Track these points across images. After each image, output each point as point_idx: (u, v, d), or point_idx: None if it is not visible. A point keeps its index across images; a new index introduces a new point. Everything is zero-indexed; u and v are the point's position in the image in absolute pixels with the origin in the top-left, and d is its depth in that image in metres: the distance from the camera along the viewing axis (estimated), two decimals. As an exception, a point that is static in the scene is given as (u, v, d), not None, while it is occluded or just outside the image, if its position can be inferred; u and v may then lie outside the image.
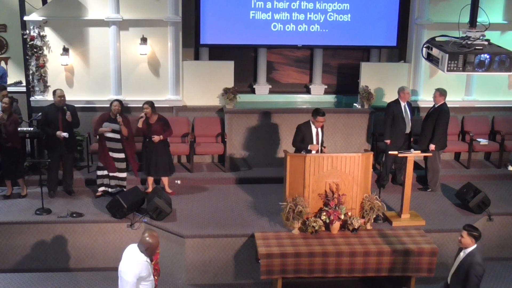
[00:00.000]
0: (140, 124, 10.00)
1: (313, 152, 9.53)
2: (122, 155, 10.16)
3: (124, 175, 10.27)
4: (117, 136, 10.05)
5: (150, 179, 10.47)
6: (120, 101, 10.13)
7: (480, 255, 6.71)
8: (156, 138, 10.03)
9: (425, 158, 10.73)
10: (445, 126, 10.58)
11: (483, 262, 6.67)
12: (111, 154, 10.10)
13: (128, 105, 11.46)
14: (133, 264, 6.29)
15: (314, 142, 9.66)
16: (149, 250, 6.31)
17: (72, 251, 9.51)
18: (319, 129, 9.74)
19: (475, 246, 6.71)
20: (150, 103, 10.15)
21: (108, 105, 10.49)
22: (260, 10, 11.84)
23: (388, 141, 10.68)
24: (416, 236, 8.97)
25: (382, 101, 11.85)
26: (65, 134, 9.94)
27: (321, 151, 9.69)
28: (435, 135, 10.51)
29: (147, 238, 6.31)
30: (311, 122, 9.72)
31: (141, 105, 11.27)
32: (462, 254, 6.78)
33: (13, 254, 9.42)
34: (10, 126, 9.85)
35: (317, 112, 9.66)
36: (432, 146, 10.50)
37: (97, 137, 10.23)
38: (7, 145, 9.90)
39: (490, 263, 9.80)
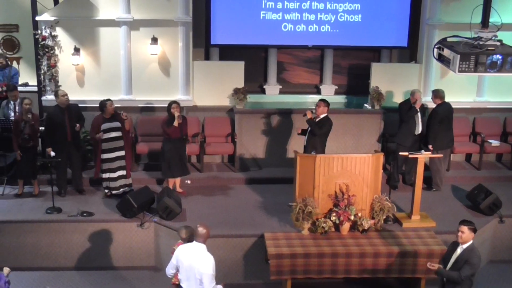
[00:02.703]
0: (176, 123, 9.99)
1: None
2: (123, 153, 10.19)
3: (125, 173, 10.29)
4: (119, 133, 10.08)
5: (177, 181, 10.49)
6: (111, 100, 10.14)
7: (477, 249, 6.88)
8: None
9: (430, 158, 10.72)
10: (435, 126, 10.57)
11: (480, 255, 6.87)
12: (116, 153, 10.11)
13: (139, 105, 11.52)
14: (205, 257, 6.78)
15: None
16: (206, 239, 6.89)
17: (82, 250, 9.55)
18: None
19: (472, 241, 6.85)
20: (178, 103, 10.19)
21: (118, 105, 10.55)
22: (270, 10, 11.83)
23: (430, 146, 10.58)
24: (426, 238, 8.93)
25: (392, 102, 11.81)
26: (53, 154, 9.93)
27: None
28: (429, 136, 10.58)
29: (203, 230, 6.85)
30: None
31: (151, 105, 11.36)
32: (459, 250, 6.88)
33: (24, 252, 9.47)
34: (36, 125, 9.97)
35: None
36: (430, 146, 10.51)
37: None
38: (28, 145, 9.97)
39: (501, 265, 9.79)
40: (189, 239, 7.20)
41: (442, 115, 10.57)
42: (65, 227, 9.49)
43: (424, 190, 10.66)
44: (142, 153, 11.38)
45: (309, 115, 9.99)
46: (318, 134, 9.95)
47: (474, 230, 6.88)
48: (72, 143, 10.16)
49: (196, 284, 6.80)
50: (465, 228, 6.82)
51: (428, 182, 10.87)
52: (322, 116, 10.05)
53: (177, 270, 6.97)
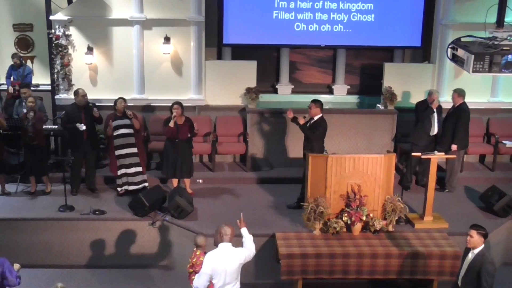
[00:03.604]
0: (172, 124, 10.00)
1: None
2: (135, 150, 10.23)
3: (141, 169, 10.34)
4: (130, 130, 10.13)
5: (175, 181, 10.49)
6: (124, 98, 10.21)
7: (489, 254, 6.68)
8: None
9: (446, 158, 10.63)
10: (466, 125, 10.50)
11: (493, 260, 6.64)
12: (127, 150, 10.16)
13: (151, 104, 11.56)
14: (237, 250, 6.88)
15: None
16: (232, 238, 6.90)
17: (94, 248, 9.59)
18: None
19: (483, 245, 6.66)
20: (180, 104, 10.16)
21: (131, 104, 10.59)
22: (283, 10, 11.82)
23: (455, 146, 10.48)
24: (439, 239, 8.87)
25: (405, 102, 11.76)
26: (83, 127, 10.00)
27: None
28: (456, 135, 10.44)
29: (228, 229, 6.82)
30: None
31: (163, 104, 11.37)
32: (470, 255, 6.71)
33: (36, 250, 9.53)
34: (37, 124, 9.99)
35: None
36: (454, 146, 10.42)
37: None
38: (33, 143, 10.03)
39: (514, 268, 9.71)
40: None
41: (469, 114, 10.51)
42: (77, 225, 9.54)
43: (437, 191, 10.62)
44: (154, 152, 11.39)
45: (301, 121, 9.67)
46: (312, 138, 9.68)
47: (484, 235, 6.67)
48: (88, 142, 10.21)
49: (234, 279, 6.81)
50: (474, 232, 6.65)
51: (441, 183, 10.81)
52: (316, 117, 9.74)
53: (211, 279, 6.77)
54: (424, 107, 10.61)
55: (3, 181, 10.39)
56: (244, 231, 7.11)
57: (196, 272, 7.06)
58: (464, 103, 10.51)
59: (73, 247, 9.57)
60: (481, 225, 6.82)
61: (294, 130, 11.41)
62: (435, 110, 10.55)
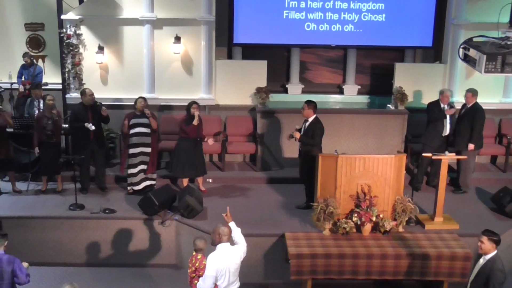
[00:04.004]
0: (196, 122, 10.04)
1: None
2: (149, 150, 10.25)
3: (145, 167, 10.34)
4: (147, 130, 10.15)
5: (185, 181, 10.50)
6: (144, 98, 10.26)
7: (500, 261, 6.55)
8: (210, 141, 10.33)
9: (457, 159, 10.57)
10: (482, 125, 10.47)
11: (504, 268, 6.52)
12: (141, 149, 10.17)
13: (161, 104, 11.57)
14: (235, 248, 7.03)
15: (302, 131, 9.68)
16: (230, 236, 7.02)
17: (104, 247, 9.63)
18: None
19: (495, 252, 6.56)
20: (198, 103, 10.24)
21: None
22: (293, 10, 11.80)
23: (472, 146, 10.45)
24: (450, 240, 8.83)
25: (416, 102, 11.70)
26: (92, 126, 10.04)
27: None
28: (473, 135, 10.40)
29: (225, 229, 6.92)
30: None
31: (173, 104, 11.40)
32: (482, 261, 6.62)
33: (46, 248, 9.58)
34: (59, 121, 10.13)
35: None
36: (471, 146, 10.39)
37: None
38: (51, 141, 10.09)
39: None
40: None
41: (484, 113, 10.50)
42: (87, 224, 9.58)
43: (453, 193, 10.58)
44: (164, 151, 11.40)
45: (296, 136, 9.60)
46: (314, 145, 9.59)
47: (496, 242, 6.54)
48: (95, 141, 10.24)
49: (236, 277, 6.95)
50: (485, 239, 6.53)
51: (455, 184, 10.77)
52: (310, 119, 9.69)
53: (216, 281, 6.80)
54: (437, 107, 10.55)
55: (13, 179, 10.44)
56: (232, 225, 7.16)
57: (199, 276, 7.03)
58: (477, 103, 10.46)
59: (83, 245, 9.61)
60: (493, 231, 6.70)
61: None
62: (442, 106, 10.50)
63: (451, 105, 10.62)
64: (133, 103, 10.29)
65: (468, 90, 10.55)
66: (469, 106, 10.50)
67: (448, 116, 10.53)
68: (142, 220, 9.60)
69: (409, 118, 11.53)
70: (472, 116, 10.41)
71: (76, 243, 9.60)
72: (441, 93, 10.61)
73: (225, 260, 6.74)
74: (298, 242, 8.66)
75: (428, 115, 10.69)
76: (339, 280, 8.68)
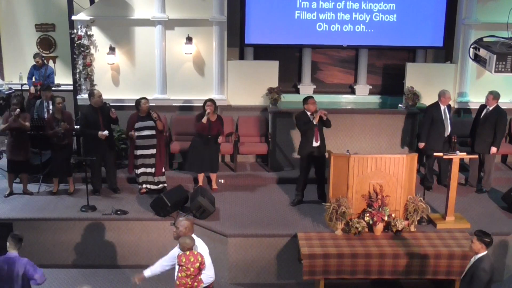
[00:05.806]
0: (205, 120, 10.09)
1: None
2: (154, 151, 10.26)
3: (153, 170, 10.38)
4: (153, 132, 10.17)
5: (201, 177, 10.57)
6: (146, 99, 10.26)
7: (489, 262, 6.67)
8: (221, 139, 10.40)
9: (483, 160, 10.60)
10: (505, 127, 10.56)
11: (490, 269, 6.61)
12: (147, 151, 10.21)
13: (173, 104, 11.61)
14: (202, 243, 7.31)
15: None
16: None
17: (116, 248, 9.65)
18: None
19: (485, 252, 6.68)
20: (213, 101, 10.31)
21: (153, 104, 10.64)
22: (305, 10, 11.81)
23: (422, 144, 10.56)
24: (461, 239, 8.81)
25: (427, 102, 11.66)
26: (106, 133, 10.08)
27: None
28: (497, 138, 10.39)
29: (187, 222, 7.27)
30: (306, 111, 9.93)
31: (185, 105, 11.44)
32: (472, 260, 6.78)
33: (58, 250, 9.61)
34: (69, 123, 10.14)
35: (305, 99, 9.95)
36: (493, 150, 10.41)
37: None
38: (63, 143, 10.13)
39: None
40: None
41: (507, 115, 10.53)
42: (99, 225, 9.61)
43: (475, 193, 10.57)
44: (176, 152, 11.43)
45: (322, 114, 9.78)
46: (330, 126, 9.95)
47: (486, 243, 6.65)
48: (105, 143, 10.26)
49: None
50: (474, 239, 6.70)
51: (479, 186, 10.81)
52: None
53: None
54: (437, 110, 10.51)
55: (25, 181, 10.49)
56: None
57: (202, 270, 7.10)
58: (499, 106, 10.46)
59: (95, 247, 9.63)
60: (486, 232, 6.81)
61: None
62: (442, 108, 10.49)
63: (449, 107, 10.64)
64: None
65: (490, 92, 10.50)
66: (490, 108, 10.46)
67: (447, 115, 10.50)
68: (154, 221, 9.61)
69: (421, 118, 11.50)
70: (495, 119, 10.37)
71: (88, 245, 9.63)
72: (442, 94, 10.56)
73: (205, 247, 7.19)
74: (311, 242, 8.66)
75: (428, 118, 10.61)
76: (352, 280, 8.68)
